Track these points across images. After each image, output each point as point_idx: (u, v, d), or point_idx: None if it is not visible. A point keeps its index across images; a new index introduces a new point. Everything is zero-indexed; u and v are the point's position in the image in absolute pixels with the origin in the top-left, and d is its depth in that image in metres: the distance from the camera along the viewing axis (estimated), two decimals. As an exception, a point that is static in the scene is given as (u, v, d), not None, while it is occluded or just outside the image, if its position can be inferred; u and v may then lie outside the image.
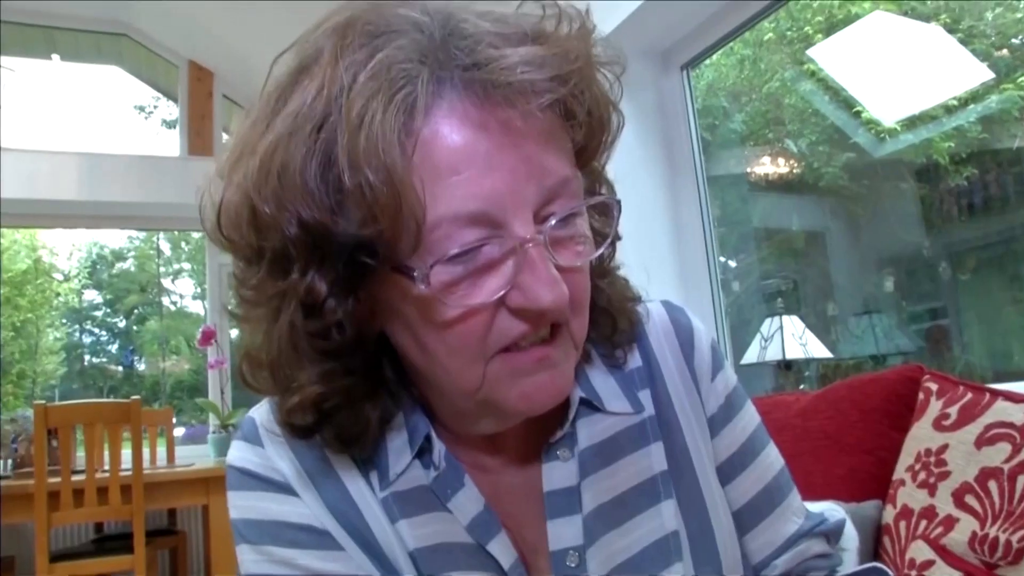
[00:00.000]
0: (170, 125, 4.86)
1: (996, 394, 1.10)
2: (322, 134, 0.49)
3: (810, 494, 1.05)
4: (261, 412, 0.63)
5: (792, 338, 2.07)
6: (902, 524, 1.11)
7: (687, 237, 2.45)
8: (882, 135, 4.01)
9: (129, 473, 2.73)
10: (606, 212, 0.61)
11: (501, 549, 0.58)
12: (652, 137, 2.54)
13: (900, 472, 1.18)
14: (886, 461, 1.21)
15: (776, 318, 2.16)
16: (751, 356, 2.19)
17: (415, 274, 0.50)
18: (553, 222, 0.51)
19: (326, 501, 0.59)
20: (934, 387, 1.19)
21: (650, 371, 0.66)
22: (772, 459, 0.67)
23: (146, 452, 3.46)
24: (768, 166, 4.06)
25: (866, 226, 4.63)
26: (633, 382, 0.66)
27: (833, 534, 0.65)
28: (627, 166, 2.44)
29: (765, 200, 4.24)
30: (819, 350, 2.11)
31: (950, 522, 1.03)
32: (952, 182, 4.18)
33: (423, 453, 0.60)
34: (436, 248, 0.49)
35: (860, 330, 2.37)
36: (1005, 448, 1.02)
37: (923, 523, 1.07)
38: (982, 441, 1.05)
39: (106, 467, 2.81)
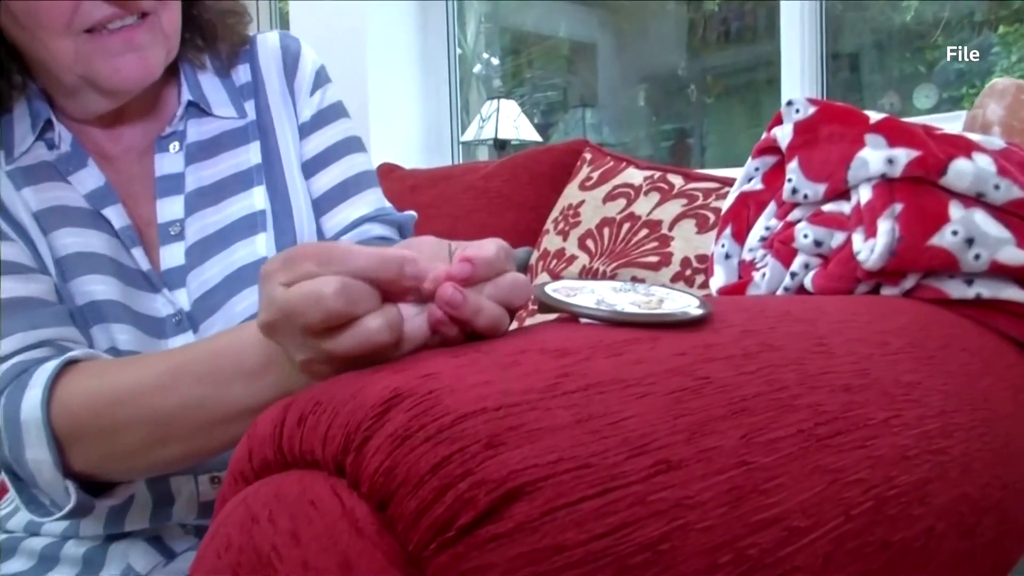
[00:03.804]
0: None
1: (630, 162, 1.30)
2: None
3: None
4: None
5: (507, 120, 2.24)
6: (540, 263, 1.32)
7: (431, 26, 2.47)
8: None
9: None
10: None
11: (115, 214, 0.69)
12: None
13: (548, 224, 1.38)
14: (543, 216, 1.41)
15: (495, 101, 2.31)
16: (470, 135, 2.34)
17: None
18: None
19: None
20: (589, 156, 1.38)
21: (256, 85, 0.78)
22: (356, 163, 0.79)
23: None
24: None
25: (631, 42, 4.83)
26: (241, 93, 0.77)
27: (404, 225, 0.80)
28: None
29: (536, 3, 4.30)
30: (531, 134, 2.31)
31: (572, 259, 1.24)
32: (710, 7, 4.42)
33: (47, 136, 0.69)
34: None
35: (574, 121, 2.59)
36: (622, 203, 1.23)
37: (554, 261, 1.28)
38: (608, 198, 1.26)
39: None
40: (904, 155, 0.81)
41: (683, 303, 0.51)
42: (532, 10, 4.38)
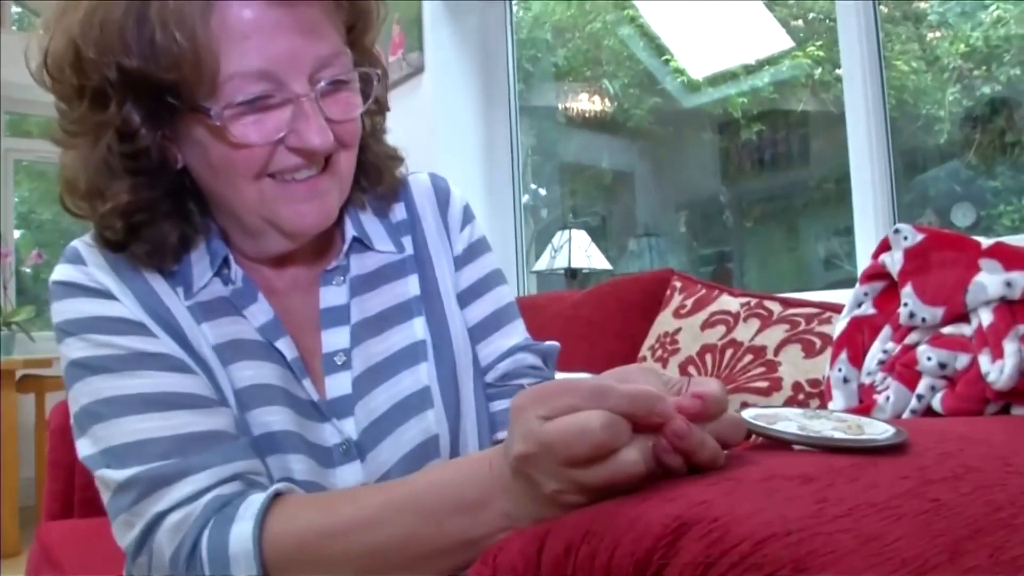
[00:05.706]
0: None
1: (722, 290, 1.35)
2: None
3: (571, 369, 1.25)
4: (81, 241, 0.74)
5: (579, 249, 2.32)
6: (640, 391, 1.35)
7: (496, 160, 2.60)
8: (690, 86, 4.29)
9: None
10: (372, 81, 0.75)
11: (286, 346, 0.73)
12: (471, 62, 2.66)
13: (644, 351, 1.41)
14: (636, 344, 1.44)
15: (566, 231, 2.40)
16: (542, 264, 2.42)
17: (211, 112, 0.64)
18: (323, 84, 0.67)
19: (141, 303, 0.71)
20: (679, 284, 1.43)
21: (412, 221, 0.84)
22: (503, 294, 0.85)
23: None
24: (585, 103, 4.29)
25: (668, 170, 4.98)
26: (398, 230, 0.83)
27: (548, 355, 0.84)
28: (445, 86, 2.56)
29: (579, 135, 4.49)
30: (601, 263, 2.38)
31: (674, 387, 1.27)
32: (744, 136, 4.58)
33: (223, 273, 0.74)
34: (230, 95, 0.64)
35: (639, 249, 2.67)
36: (721, 330, 1.26)
37: (655, 389, 1.31)
38: (706, 325, 1.29)
39: None
40: (1022, 278, 0.84)
41: (880, 428, 0.54)
42: (574, 142, 4.57)
